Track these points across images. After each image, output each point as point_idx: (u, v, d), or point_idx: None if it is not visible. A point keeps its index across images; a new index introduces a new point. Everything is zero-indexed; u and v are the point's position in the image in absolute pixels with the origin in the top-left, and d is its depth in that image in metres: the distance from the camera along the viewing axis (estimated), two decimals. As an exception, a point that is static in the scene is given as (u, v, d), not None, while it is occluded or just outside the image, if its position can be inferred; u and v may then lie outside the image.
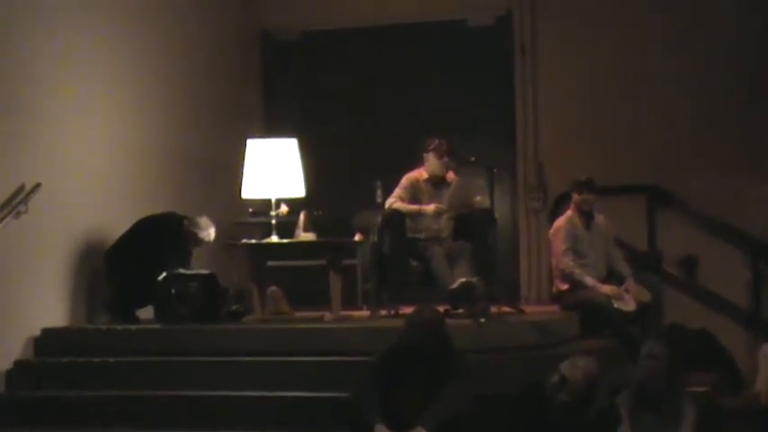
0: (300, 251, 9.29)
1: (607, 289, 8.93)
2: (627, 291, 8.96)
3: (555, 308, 9.32)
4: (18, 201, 8.12)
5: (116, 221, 9.02)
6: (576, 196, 9.25)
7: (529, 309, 9.33)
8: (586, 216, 9.24)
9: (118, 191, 9.31)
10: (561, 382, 6.65)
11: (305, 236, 8.86)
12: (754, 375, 8.50)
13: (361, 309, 9.26)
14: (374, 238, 8.85)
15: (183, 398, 7.69)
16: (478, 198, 8.98)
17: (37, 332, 8.40)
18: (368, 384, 6.76)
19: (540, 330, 8.14)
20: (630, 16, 10.67)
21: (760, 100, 10.36)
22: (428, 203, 8.98)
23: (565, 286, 9.13)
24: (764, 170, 10.30)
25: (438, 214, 8.94)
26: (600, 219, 9.33)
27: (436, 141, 9.04)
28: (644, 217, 10.59)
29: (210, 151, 10.50)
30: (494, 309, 8.36)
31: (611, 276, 9.17)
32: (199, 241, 9.08)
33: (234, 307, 8.82)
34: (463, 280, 8.33)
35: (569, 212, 9.29)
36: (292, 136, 9.20)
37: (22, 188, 8.17)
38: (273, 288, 9.22)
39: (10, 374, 8.13)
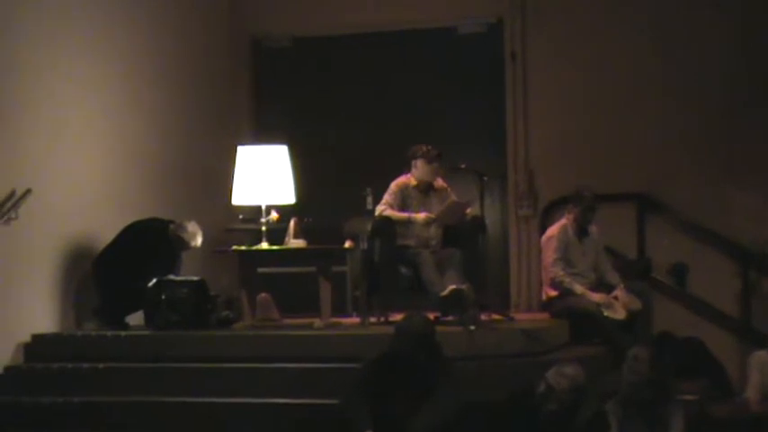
0: (290, 258, 9.28)
1: (597, 297, 8.93)
2: (616, 299, 8.97)
3: (545, 315, 9.32)
4: (8, 206, 8.11)
5: (106, 227, 9.02)
6: (577, 211, 9.22)
7: (519, 316, 9.35)
8: (581, 226, 9.24)
9: (108, 197, 9.31)
10: (547, 390, 6.66)
11: (295, 243, 8.86)
12: (743, 383, 8.51)
13: (350, 316, 9.26)
14: (364, 245, 8.85)
15: (172, 404, 7.68)
16: (469, 211, 8.98)
17: (27, 338, 8.39)
18: (357, 391, 6.76)
19: (530, 338, 8.14)
20: (621, 25, 10.67)
21: (750, 109, 10.37)
22: (417, 210, 8.95)
23: (554, 293, 9.13)
24: (753, 180, 10.32)
25: (428, 223, 8.93)
26: (592, 229, 9.33)
27: (425, 148, 9.02)
28: (633, 225, 10.59)
29: (201, 158, 10.51)
30: (483, 316, 8.37)
31: (601, 285, 9.17)
32: (186, 246, 9.08)
33: (224, 313, 8.83)
34: (453, 287, 8.33)
35: (564, 221, 9.28)
36: (283, 143, 9.19)
37: (12, 194, 8.15)
38: (263, 295, 9.21)
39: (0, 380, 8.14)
